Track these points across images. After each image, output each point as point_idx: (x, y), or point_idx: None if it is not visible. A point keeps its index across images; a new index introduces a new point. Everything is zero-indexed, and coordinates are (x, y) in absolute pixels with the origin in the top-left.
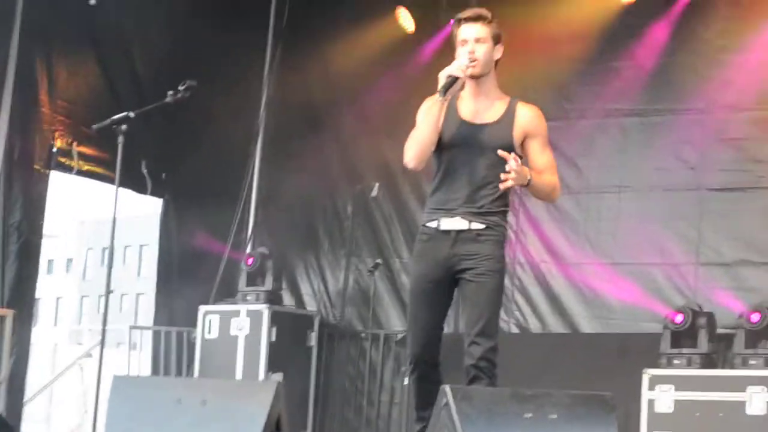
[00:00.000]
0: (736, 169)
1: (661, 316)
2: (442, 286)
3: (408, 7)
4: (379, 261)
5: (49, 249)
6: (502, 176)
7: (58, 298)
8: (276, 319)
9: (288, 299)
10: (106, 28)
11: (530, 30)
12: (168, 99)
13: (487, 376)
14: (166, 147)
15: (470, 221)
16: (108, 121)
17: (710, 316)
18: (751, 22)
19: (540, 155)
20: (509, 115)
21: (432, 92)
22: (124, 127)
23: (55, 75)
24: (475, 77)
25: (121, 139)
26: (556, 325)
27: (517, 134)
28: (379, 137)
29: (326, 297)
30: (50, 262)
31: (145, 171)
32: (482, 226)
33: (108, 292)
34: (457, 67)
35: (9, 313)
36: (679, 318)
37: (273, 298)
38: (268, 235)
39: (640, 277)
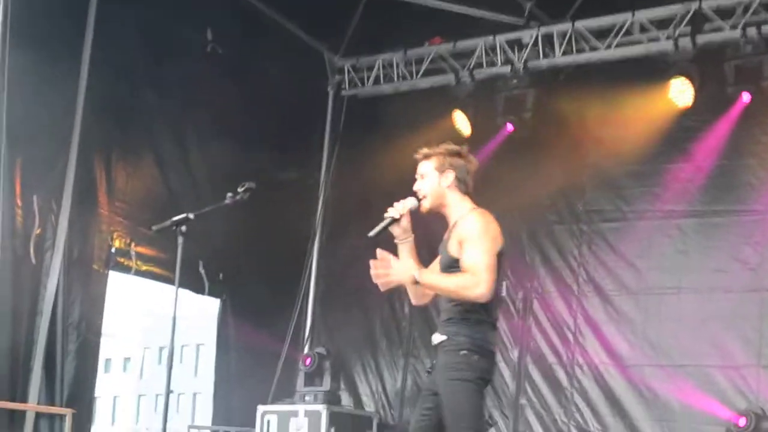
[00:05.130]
0: None
1: (723, 420)
2: None
3: (464, 111)
4: (435, 361)
5: (106, 348)
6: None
7: (115, 398)
8: (334, 419)
9: (346, 399)
10: (163, 130)
11: (588, 131)
12: (227, 201)
13: None
14: (222, 247)
15: (439, 334)
16: (168, 222)
17: None
18: None
19: (464, 256)
20: (451, 231)
21: (486, 194)
22: (183, 228)
23: (114, 176)
24: (433, 209)
25: (181, 240)
26: (616, 428)
27: (452, 247)
28: (435, 238)
29: (384, 397)
30: (108, 361)
31: (202, 271)
32: (444, 338)
33: (168, 392)
34: (395, 209)
35: (68, 412)
36: (742, 422)
37: (331, 399)
38: (326, 335)
39: (702, 379)
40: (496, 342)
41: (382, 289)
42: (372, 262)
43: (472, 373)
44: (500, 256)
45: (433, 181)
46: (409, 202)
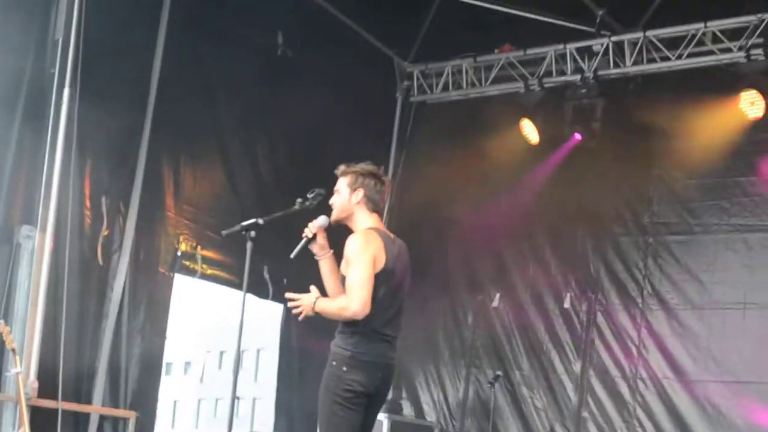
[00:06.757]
0: None
1: None
2: None
3: (532, 119)
4: (499, 373)
5: (167, 351)
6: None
7: (175, 401)
8: (396, 429)
9: (407, 409)
10: (232, 135)
11: (657, 142)
12: (297, 207)
13: None
14: (286, 252)
15: None
16: (238, 227)
17: None
18: None
19: (346, 277)
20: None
21: (552, 204)
22: (253, 233)
23: (182, 180)
24: (340, 222)
25: (249, 245)
26: None
27: (343, 266)
28: (500, 247)
29: (446, 408)
30: (168, 364)
31: (267, 276)
32: None
33: (234, 397)
34: (308, 228)
35: (132, 415)
36: None
37: (393, 408)
38: None
39: (766, 397)
40: (379, 353)
41: (301, 320)
42: (289, 302)
43: (336, 384)
44: (385, 273)
45: (344, 196)
46: (320, 220)
